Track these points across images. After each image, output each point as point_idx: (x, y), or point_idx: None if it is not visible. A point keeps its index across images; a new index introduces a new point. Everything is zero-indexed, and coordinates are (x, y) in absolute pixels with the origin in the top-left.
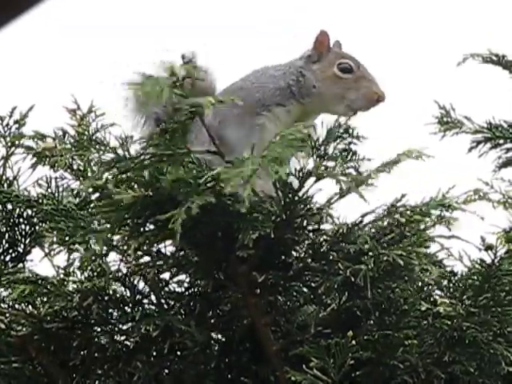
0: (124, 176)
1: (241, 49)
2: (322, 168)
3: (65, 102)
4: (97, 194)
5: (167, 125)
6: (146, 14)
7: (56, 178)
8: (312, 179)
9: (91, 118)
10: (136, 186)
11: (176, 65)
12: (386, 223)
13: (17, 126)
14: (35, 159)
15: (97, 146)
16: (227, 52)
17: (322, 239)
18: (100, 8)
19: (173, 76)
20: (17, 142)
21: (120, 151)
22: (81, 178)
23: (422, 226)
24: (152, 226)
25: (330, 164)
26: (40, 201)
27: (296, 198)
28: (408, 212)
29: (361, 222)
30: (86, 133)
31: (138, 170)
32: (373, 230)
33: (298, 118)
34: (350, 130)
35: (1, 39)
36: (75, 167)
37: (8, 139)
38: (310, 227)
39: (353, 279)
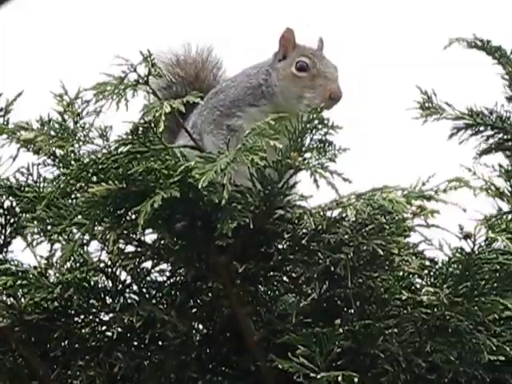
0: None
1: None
2: (300, 159)
3: (53, 88)
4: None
5: (138, 123)
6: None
7: (38, 165)
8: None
9: (77, 104)
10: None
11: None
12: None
13: (1, 113)
14: (19, 145)
15: (76, 138)
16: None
17: (302, 232)
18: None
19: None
20: None
21: (99, 142)
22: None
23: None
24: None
25: (307, 155)
26: (22, 189)
27: (275, 190)
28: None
29: (341, 217)
30: (70, 120)
31: (111, 168)
32: (353, 219)
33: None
34: (325, 121)
35: None
36: (58, 154)
37: None
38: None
39: (333, 269)
